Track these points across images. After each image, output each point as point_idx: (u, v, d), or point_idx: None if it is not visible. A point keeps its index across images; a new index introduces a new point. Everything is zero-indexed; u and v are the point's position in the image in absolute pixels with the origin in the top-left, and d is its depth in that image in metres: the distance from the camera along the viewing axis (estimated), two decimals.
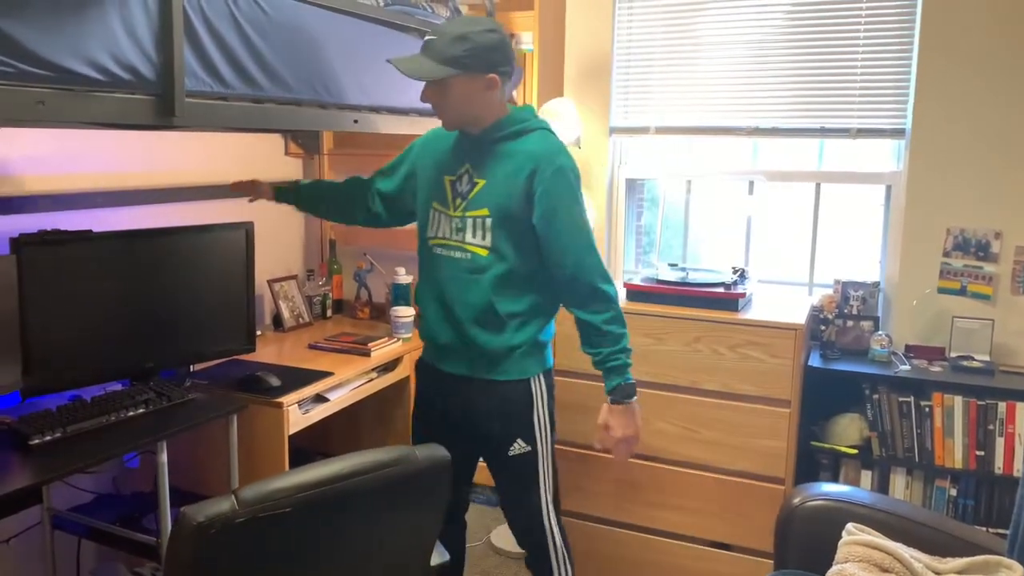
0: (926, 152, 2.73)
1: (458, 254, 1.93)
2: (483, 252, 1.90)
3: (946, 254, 2.74)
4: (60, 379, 2.09)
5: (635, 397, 1.95)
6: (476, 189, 1.90)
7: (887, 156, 2.91)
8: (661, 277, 2.77)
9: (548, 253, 1.89)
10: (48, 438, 1.87)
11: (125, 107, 1.53)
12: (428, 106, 2.53)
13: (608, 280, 1.91)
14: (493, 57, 1.84)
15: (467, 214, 1.91)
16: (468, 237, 1.91)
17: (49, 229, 2.07)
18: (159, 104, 1.59)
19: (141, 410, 2.06)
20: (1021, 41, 2.58)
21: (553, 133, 1.97)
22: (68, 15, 1.38)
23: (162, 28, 1.55)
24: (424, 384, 2.13)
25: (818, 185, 3.00)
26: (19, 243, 1.98)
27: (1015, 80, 2.61)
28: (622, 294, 2.79)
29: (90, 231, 2.13)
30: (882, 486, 2.62)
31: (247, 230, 2.47)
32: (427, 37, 1.84)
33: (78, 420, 1.95)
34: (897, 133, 2.81)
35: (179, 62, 1.57)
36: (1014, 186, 2.64)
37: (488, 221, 1.89)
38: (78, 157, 2.35)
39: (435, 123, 2.62)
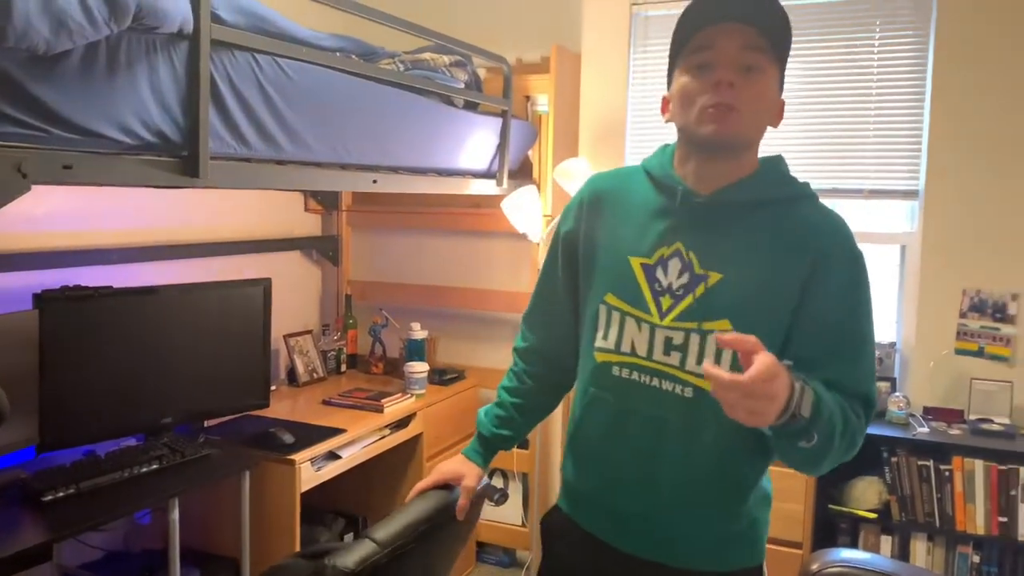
0: (940, 213, 2.74)
1: (668, 385, 1.24)
2: None
3: (963, 315, 2.72)
4: (76, 434, 2.10)
5: (799, 420, 1.08)
6: (706, 285, 1.23)
7: (902, 217, 2.92)
8: None
9: (828, 372, 1.19)
10: (61, 494, 1.87)
11: (151, 169, 1.57)
12: (449, 165, 2.61)
13: (875, 383, 1.28)
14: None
15: (689, 325, 1.23)
16: (691, 363, 1.22)
17: (71, 285, 2.10)
18: (184, 166, 1.62)
19: (155, 466, 2.06)
20: None
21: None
22: (99, 81, 1.43)
23: (189, 92, 1.59)
24: (571, 558, 1.41)
25: None
26: (41, 299, 2.01)
27: None
28: None
29: (110, 287, 2.16)
30: (903, 552, 2.56)
31: (265, 287, 2.50)
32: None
33: (91, 476, 1.95)
34: (910, 194, 2.83)
35: (204, 125, 1.62)
36: None
37: None
38: (100, 213, 2.40)
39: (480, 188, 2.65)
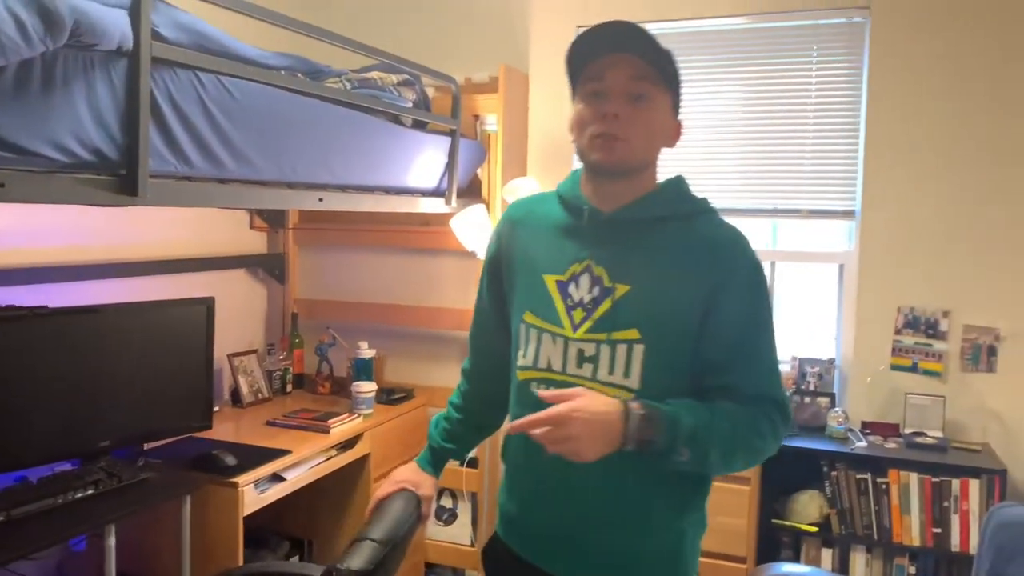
0: (876, 233, 2.83)
1: None
2: (627, 396, 1.23)
3: (898, 332, 2.81)
4: (6, 460, 2.02)
5: (653, 444, 1.17)
6: (614, 297, 1.27)
7: (840, 236, 3.01)
8: None
9: (728, 378, 1.27)
10: None
11: (87, 188, 1.54)
12: (397, 184, 2.61)
13: (779, 385, 1.31)
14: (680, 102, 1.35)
15: (599, 336, 1.27)
16: (602, 373, 1.26)
17: (3, 305, 2.04)
18: (122, 184, 1.59)
19: (90, 491, 2.01)
20: (963, 128, 2.72)
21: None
22: (34, 98, 1.39)
23: (128, 110, 1.56)
24: None
25: (773, 263, 3.08)
26: None
27: (959, 164, 2.73)
28: None
29: (46, 307, 2.10)
30: (843, 564, 2.62)
31: (208, 306, 2.46)
32: (615, 24, 1.23)
33: (23, 503, 1.89)
34: (847, 214, 2.92)
35: (144, 144, 1.59)
36: (960, 266, 2.74)
37: (639, 349, 1.25)
38: (37, 231, 2.34)
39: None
